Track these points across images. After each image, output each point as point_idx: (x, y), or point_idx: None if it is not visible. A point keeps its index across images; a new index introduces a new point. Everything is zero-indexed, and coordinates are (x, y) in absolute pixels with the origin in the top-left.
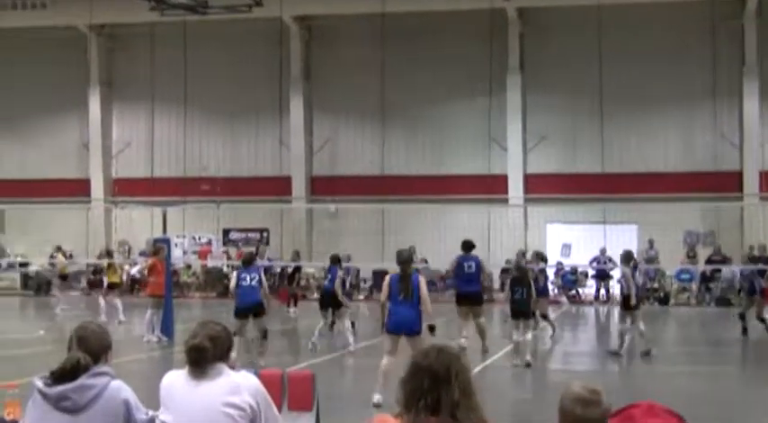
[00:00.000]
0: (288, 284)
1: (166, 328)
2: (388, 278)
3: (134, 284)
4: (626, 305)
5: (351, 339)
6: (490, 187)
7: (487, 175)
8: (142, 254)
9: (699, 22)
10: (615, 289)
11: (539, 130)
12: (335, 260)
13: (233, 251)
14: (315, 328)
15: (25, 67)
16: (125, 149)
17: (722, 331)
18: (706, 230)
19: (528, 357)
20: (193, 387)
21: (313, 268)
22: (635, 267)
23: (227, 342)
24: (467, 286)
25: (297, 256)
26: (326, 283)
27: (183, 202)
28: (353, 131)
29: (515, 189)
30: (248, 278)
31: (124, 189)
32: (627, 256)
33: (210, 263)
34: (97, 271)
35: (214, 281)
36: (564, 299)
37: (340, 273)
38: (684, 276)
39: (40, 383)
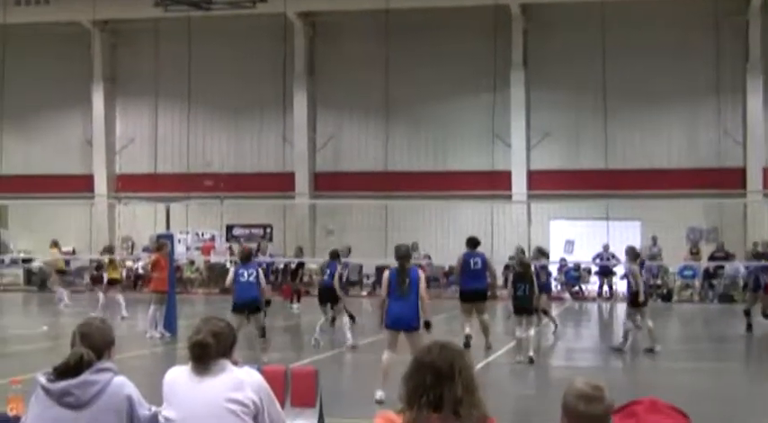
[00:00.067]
0: (291, 280)
1: (169, 324)
2: (387, 273)
3: (137, 280)
4: (634, 302)
5: (348, 335)
6: (494, 183)
7: (491, 171)
8: (145, 250)
9: (703, 18)
10: (618, 285)
11: (542, 127)
12: (335, 255)
13: (236, 247)
14: (316, 325)
15: (29, 62)
16: (128, 145)
17: (725, 328)
18: (709, 227)
19: (531, 353)
20: (196, 383)
21: (316, 264)
22: (642, 264)
23: (231, 338)
24: (473, 283)
25: (300, 252)
26: (326, 278)
27: (186, 198)
28: (357, 127)
29: (519, 185)
30: (246, 274)
31: (127, 185)
32: (634, 253)
33: (214, 259)
34: (100, 267)
35: (217, 277)
36: (567, 295)
37: (339, 268)
38: (687, 273)
39: (43, 379)
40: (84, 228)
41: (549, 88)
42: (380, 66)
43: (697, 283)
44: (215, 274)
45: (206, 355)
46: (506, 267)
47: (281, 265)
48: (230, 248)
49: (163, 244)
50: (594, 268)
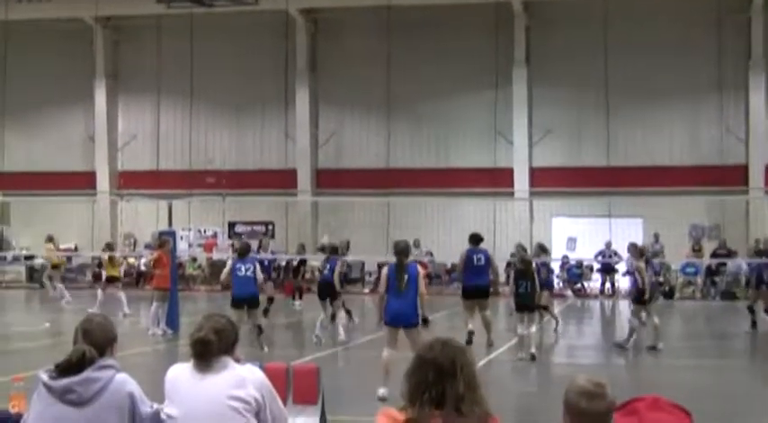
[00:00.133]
0: (293, 277)
1: (172, 321)
2: (385, 269)
3: (139, 277)
4: (640, 299)
5: (341, 330)
6: (496, 180)
7: (493, 168)
8: (147, 247)
9: (705, 15)
10: (620, 282)
11: (544, 124)
12: (334, 250)
13: (238, 244)
14: (316, 321)
15: (31, 59)
16: (131, 142)
17: (727, 325)
18: (711, 224)
19: (533, 350)
20: (198, 380)
21: (318, 261)
22: (647, 261)
23: (233, 335)
24: (476, 279)
25: (302, 249)
26: (326, 272)
27: (188, 195)
28: (359, 124)
29: (521, 182)
30: (243, 269)
31: (130, 182)
32: (639, 251)
33: (216, 256)
34: (101, 264)
35: (219, 274)
36: (569, 292)
37: (339, 263)
38: (689, 270)
39: (45, 376)
40: (86, 225)
41: (551, 85)
42: (382, 62)
43: (699, 280)
44: (217, 270)
45: (208, 353)
46: (508, 265)
47: (283, 263)
48: (232, 245)
49: (165, 241)
50: (597, 265)
